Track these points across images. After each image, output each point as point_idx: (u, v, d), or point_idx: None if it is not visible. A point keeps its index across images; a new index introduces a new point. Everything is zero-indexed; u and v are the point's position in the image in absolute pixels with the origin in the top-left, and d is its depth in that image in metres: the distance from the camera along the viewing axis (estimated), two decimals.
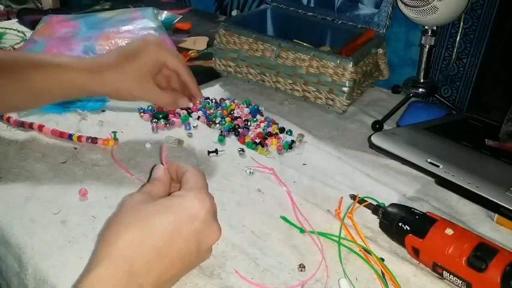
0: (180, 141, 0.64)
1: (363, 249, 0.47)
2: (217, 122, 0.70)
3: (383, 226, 0.49)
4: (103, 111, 0.71)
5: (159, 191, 0.43)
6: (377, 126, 0.71)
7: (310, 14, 0.88)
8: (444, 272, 0.43)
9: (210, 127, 0.69)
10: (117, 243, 0.36)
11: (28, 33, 0.98)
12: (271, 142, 0.65)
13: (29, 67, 0.53)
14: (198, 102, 0.66)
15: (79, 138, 0.62)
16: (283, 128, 0.69)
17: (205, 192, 0.41)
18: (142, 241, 0.36)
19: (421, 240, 0.44)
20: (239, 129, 0.67)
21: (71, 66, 0.53)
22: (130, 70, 0.53)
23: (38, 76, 0.53)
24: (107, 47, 0.80)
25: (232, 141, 0.66)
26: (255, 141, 0.65)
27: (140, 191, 0.42)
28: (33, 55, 0.60)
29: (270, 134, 0.67)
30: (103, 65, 0.54)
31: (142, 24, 0.87)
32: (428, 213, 0.47)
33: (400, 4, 0.67)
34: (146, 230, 0.37)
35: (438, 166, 0.54)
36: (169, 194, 0.44)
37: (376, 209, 0.51)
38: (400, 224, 0.46)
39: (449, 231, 0.43)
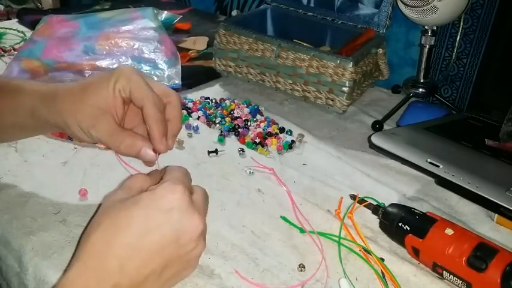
0: (180, 141, 0.64)
1: (363, 249, 0.47)
2: (217, 122, 0.70)
3: (383, 226, 0.49)
4: None
5: (141, 182, 0.42)
6: (377, 126, 0.71)
7: (310, 14, 0.88)
8: (444, 272, 0.43)
9: (210, 127, 0.69)
10: (86, 244, 0.36)
11: (28, 33, 0.98)
12: (271, 142, 0.65)
13: None
14: (157, 155, 0.46)
15: None
16: (283, 128, 0.69)
17: (180, 182, 0.39)
18: (110, 239, 0.36)
19: (421, 240, 0.44)
20: (239, 129, 0.67)
21: (24, 89, 0.48)
22: (86, 101, 0.44)
23: None
24: (107, 47, 0.80)
25: (232, 141, 0.66)
26: (255, 141, 0.65)
27: (120, 186, 0.41)
28: None
29: (270, 134, 0.67)
30: (58, 92, 0.46)
31: (142, 24, 0.87)
32: (428, 213, 0.47)
33: (400, 4, 0.67)
34: (114, 228, 0.36)
35: (438, 166, 0.54)
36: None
37: (376, 209, 0.51)
38: (400, 224, 0.46)
39: (449, 231, 0.43)
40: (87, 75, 0.75)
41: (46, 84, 0.49)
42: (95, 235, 0.36)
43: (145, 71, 0.77)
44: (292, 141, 0.66)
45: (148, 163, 0.47)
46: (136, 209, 0.37)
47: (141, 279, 0.36)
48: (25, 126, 0.50)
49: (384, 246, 0.48)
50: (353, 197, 0.54)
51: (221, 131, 0.67)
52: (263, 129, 0.68)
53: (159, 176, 0.44)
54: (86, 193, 0.53)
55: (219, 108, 0.74)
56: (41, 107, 0.46)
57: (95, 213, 0.40)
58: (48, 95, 0.46)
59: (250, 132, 0.68)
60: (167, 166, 0.44)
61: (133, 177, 0.43)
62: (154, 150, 0.45)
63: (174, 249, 0.37)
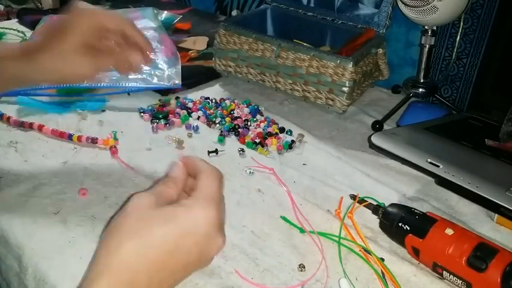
0: (180, 141, 0.64)
1: (363, 249, 0.47)
2: (217, 122, 0.70)
3: (383, 226, 0.49)
4: (103, 111, 0.71)
5: (171, 191, 0.41)
6: (377, 126, 0.71)
7: (310, 14, 0.88)
8: (444, 272, 0.43)
9: (210, 127, 0.69)
10: (118, 253, 0.35)
11: (28, 33, 0.98)
12: (271, 142, 0.65)
13: None
14: (149, 56, 0.52)
15: (79, 138, 0.62)
16: (283, 128, 0.69)
17: (214, 202, 0.39)
18: (144, 252, 0.35)
19: (421, 240, 0.44)
20: (239, 129, 0.67)
21: (5, 55, 0.49)
22: (61, 47, 0.48)
23: None
24: None
25: (232, 141, 0.66)
26: (255, 141, 0.65)
27: (149, 191, 0.40)
28: None
29: (270, 134, 0.67)
30: (34, 49, 0.49)
31: (142, 24, 0.86)
32: (428, 213, 0.47)
33: (400, 4, 0.67)
34: (148, 241, 0.36)
35: (438, 166, 0.53)
36: (185, 191, 0.42)
37: (376, 209, 0.51)
38: (400, 224, 0.46)
39: (449, 231, 0.43)
40: None
41: (18, 46, 0.51)
42: (128, 245, 0.35)
43: (145, 71, 0.77)
44: (292, 141, 0.66)
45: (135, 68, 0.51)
46: (173, 226, 0.36)
47: None
48: (9, 84, 0.52)
49: (384, 246, 0.48)
50: (353, 197, 0.54)
51: (221, 131, 0.67)
52: (263, 129, 0.68)
53: (184, 179, 0.42)
54: (85, 193, 0.53)
55: (219, 108, 0.74)
56: (25, 69, 0.49)
57: (121, 207, 0.39)
58: (28, 57, 0.48)
59: (250, 132, 0.68)
60: (198, 163, 0.42)
61: (164, 184, 0.41)
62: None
63: (196, 265, 0.38)
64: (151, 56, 0.51)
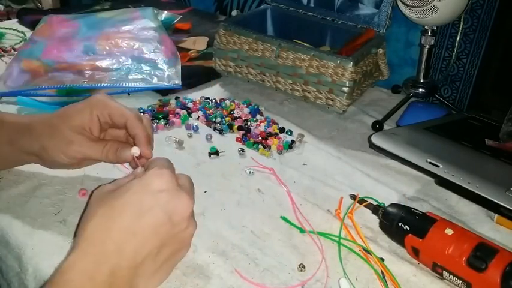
0: (180, 142, 0.64)
1: (362, 249, 0.47)
2: (217, 122, 0.70)
3: (383, 226, 0.49)
4: None
5: (128, 178, 0.43)
6: (377, 126, 0.71)
7: (310, 14, 0.88)
8: (444, 272, 0.43)
9: (210, 127, 0.69)
10: (83, 233, 0.37)
11: (28, 33, 0.98)
12: (272, 142, 0.65)
13: None
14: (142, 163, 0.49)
15: None
16: (283, 128, 0.69)
17: (165, 167, 0.41)
18: (107, 225, 0.37)
19: (421, 240, 0.44)
20: (246, 130, 0.67)
21: (5, 120, 0.51)
22: (62, 126, 0.49)
23: None
24: (107, 47, 0.80)
25: (232, 141, 0.66)
26: (256, 142, 0.65)
27: (111, 182, 0.43)
28: None
29: (270, 134, 0.67)
30: (34, 121, 0.51)
31: (142, 24, 0.87)
32: (428, 213, 0.47)
33: (400, 4, 0.67)
34: (109, 214, 0.38)
35: (438, 166, 0.54)
36: None
37: (376, 209, 0.51)
38: (400, 224, 0.46)
39: (449, 231, 0.43)
40: (87, 75, 0.75)
41: (23, 116, 0.53)
42: (91, 223, 0.37)
43: (145, 71, 0.77)
44: (292, 141, 0.66)
45: (136, 162, 0.50)
46: (128, 195, 0.39)
47: (138, 260, 0.37)
48: (2, 156, 0.52)
49: (383, 246, 0.49)
50: (353, 197, 0.55)
51: (219, 130, 0.67)
52: (264, 129, 0.68)
53: (143, 171, 0.45)
54: (86, 193, 0.53)
55: (219, 108, 0.74)
56: (19, 137, 0.50)
57: (85, 208, 0.41)
58: (25, 126, 0.50)
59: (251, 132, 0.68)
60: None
61: (122, 177, 0.45)
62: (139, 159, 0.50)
63: (167, 228, 0.39)
64: (147, 152, 0.49)
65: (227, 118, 0.70)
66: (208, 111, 0.72)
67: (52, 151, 0.50)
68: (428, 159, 0.55)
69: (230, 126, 0.68)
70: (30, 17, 1.06)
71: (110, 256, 0.36)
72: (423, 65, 0.73)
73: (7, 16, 1.30)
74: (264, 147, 0.64)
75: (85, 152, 0.50)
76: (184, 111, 0.71)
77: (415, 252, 0.45)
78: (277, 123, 0.71)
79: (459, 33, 0.74)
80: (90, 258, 0.36)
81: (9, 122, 0.51)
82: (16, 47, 0.92)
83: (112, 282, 0.36)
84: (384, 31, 0.80)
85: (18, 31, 1.01)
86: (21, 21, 1.07)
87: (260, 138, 0.66)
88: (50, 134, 0.49)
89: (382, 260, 0.46)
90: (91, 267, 0.35)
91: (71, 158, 0.50)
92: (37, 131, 0.50)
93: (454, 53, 0.76)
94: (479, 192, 0.49)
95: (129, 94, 0.76)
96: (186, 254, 0.44)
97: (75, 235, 0.39)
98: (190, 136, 0.67)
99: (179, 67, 0.80)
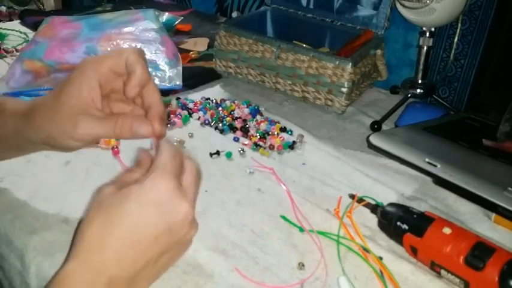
0: (180, 141, 0.65)
1: (361, 248, 0.48)
2: (218, 122, 0.70)
3: (381, 225, 0.49)
4: None
5: (135, 175, 0.41)
6: (375, 127, 0.72)
7: (309, 15, 0.89)
8: (442, 270, 0.43)
9: (211, 127, 0.70)
10: (81, 240, 0.36)
11: (30, 34, 0.99)
12: (275, 142, 0.65)
13: None
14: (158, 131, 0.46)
15: None
16: (283, 128, 0.70)
17: (167, 172, 0.39)
18: (105, 233, 0.36)
19: (419, 239, 0.44)
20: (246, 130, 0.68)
21: (6, 108, 0.46)
22: (61, 107, 0.42)
23: None
24: (109, 48, 0.81)
25: (232, 141, 0.67)
26: (255, 142, 0.66)
27: (113, 180, 0.41)
28: None
29: (268, 134, 0.68)
30: (34, 108, 0.44)
31: (143, 26, 0.87)
32: (426, 213, 0.47)
33: (398, 6, 0.68)
34: (108, 223, 0.37)
35: (436, 166, 0.54)
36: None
37: (374, 208, 0.51)
38: (398, 223, 0.47)
39: (447, 230, 0.43)
40: None
41: (25, 102, 0.46)
42: (89, 231, 0.36)
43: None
44: (293, 142, 0.66)
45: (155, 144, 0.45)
46: (127, 204, 0.37)
47: (138, 269, 0.37)
48: (9, 146, 0.48)
49: (382, 245, 0.49)
50: (352, 196, 0.55)
51: (221, 131, 0.68)
52: (266, 129, 0.69)
53: (149, 163, 0.42)
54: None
55: (219, 109, 0.74)
56: (23, 126, 0.45)
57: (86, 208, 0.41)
58: (26, 114, 0.45)
59: (251, 132, 0.68)
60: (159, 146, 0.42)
61: (128, 170, 0.43)
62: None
63: (168, 237, 0.38)
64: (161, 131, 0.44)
65: (227, 118, 0.71)
66: (208, 112, 0.73)
67: (59, 138, 0.43)
68: (427, 159, 0.55)
69: (231, 127, 0.69)
70: (33, 18, 1.06)
71: (109, 266, 0.35)
72: (421, 66, 0.74)
73: (9, 17, 1.31)
74: (262, 147, 0.64)
75: (95, 133, 0.43)
76: (185, 112, 0.72)
77: (414, 251, 0.45)
78: (278, 123, 0.71)
79: (457, 35, 0.75)
80: (88, 267, 0.35)
81: (12, 110, 0.46)
82: (18, 47, 0.93)
83: None
84: (383, 32, 0.80)
85: (21, 32, 1.02)
86: (24, 23, 1.08)
87: (258, 137, 0.66)
88: (51, 120, 0.43)
89: (381, 258, 0.47)
90: (89, 276, 0.35)
91: (81, 141, 0.43)
92: (38, 118, 0.44)
93: (451, 54, 0.77)
94: (477, 192, 0.50)
95: None
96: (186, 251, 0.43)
97: (74, 238, 0.38)
98: (191, 136, 0.67)
99: (180, 68, 0.81)
